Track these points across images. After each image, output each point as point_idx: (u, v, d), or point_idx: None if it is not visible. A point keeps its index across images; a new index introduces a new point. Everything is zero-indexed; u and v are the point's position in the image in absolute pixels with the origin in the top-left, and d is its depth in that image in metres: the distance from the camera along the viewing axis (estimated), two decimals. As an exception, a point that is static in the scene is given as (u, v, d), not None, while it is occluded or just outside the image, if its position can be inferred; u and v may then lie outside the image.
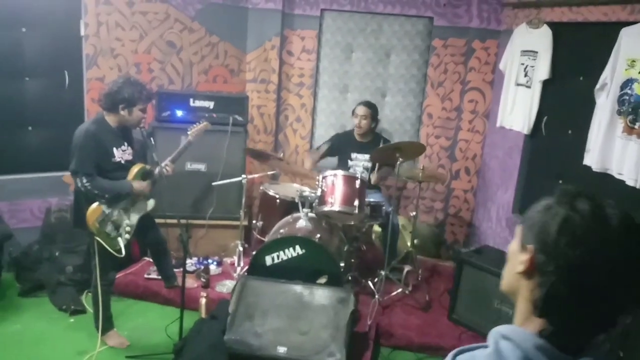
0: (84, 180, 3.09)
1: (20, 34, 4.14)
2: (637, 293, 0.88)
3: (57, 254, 4.05)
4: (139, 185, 3.34)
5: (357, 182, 3.74)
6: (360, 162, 4.40)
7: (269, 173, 4.61)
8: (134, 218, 3.40)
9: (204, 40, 4.85)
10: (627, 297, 0.88)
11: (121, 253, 3.28)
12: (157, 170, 3.47)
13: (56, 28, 4.28)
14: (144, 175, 3.41)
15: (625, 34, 3.09)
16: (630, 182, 3.01)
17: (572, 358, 0.87)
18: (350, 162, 4.40)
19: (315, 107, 5.17)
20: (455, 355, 0.96)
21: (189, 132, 3.73)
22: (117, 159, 3.24)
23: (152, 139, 3.55)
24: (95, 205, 3.14)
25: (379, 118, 4.55)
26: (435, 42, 4.86)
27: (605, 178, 3.24)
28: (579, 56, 3.70)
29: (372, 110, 4.38)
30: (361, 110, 4.35)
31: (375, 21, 4.93)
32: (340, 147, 4.52)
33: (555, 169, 3.88)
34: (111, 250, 3.22)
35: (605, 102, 3.23)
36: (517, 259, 0.95)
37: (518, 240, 0.97)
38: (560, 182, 3.80)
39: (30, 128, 4.34)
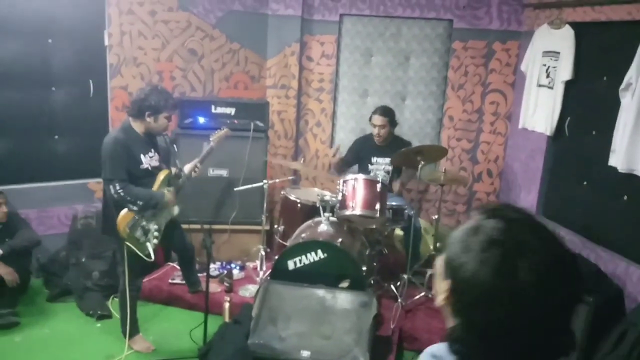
0: (118, 187, 3.14)
1: (46, 45, 4.25)
2: (560, 343, 0.86)
3: (83, 259, 4.13)
4: (170, 195, 3.40)
5: (379, 186, 3.74)
6: (381, 165, 4.39)
7: (290, 178, 4.63)
8: (162, 223, 3.46)
9: (225, 47, 4.91)
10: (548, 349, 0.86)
11: (150, 257, 3.34)
12: (182, 177, 3.52)
13: (81, 38, 4.38)
14: (169, 181, 3.46)
15: (649, 32, 3.05)
16: (657, 183, 2.96)
17: None
18: (370, 167, 4.40)
19: (335, 111, 5.19)
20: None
21: (211, 139, 3.78)
22: (145, 165, 3.29)
23: (175, 145, 3.61)
24: (125, 211, 3.19)
25: (397, 121, 4.53)
26: (455, 44, 4.84)
27: (631, 179, 3.19)
28: (602, 56, 3.65)
29: (389, 117, 4.33)
30: (378, 120, 4.29)
31: (394, 25, 4.93)
32: (361, 152, 4.52)
33: (580, 170, 3.83)
34: (141, 255, 3.28)
35: (630, 102, 3.18)
36: (440, 285, 0.96)
37: (440, 265, 0.96)
38: (585, 183, 3.75)
39: (56, 137, 4.44)
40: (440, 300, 0.94)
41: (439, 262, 0.96)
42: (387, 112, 4.33)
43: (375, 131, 4.34)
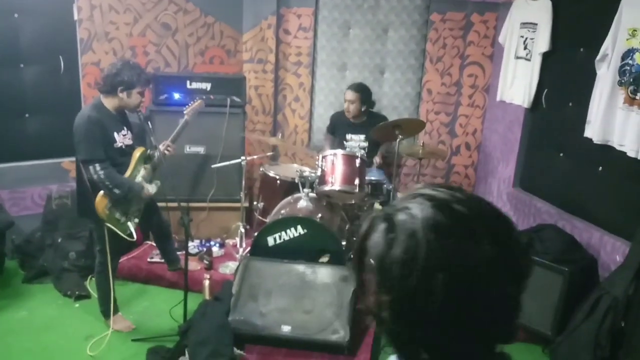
0: (98, 168, 3.06)
1: (12, 20, 4.10)
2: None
3: (59, 240, 4.06)
4: (147, 190, 3.34)
5: (357, 161, 3.73)
6: (356, 142, 4.37)
7: (268, 154, 4.60)
8: (141, 202, 3.41)
9: (199, 21, 4.79)
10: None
11: (132, 237, 3.30)
12: (156, 155, 3.46)
13: (49, 13, 4.23)
14: (145, 159, 3.40)
15: (626, 3, 3.04)
16: (631, 154, 2.99)
17: None
18: (346, 143, 4.38)
19: (314, 86, 5.13)
20: None
21: (184, 112, 3.71)
22: (119, 144, 3.22)
23: (149, 122, 3.53)
24: (101, 193, 3.13)
25: (373, 100, 4.49)
26: (433, 16, 4.80)
27: (606, 150, 3.22)
28: (579, 27, 3.65)
29: (361, 93, 4.32)
30: (349, 95, 4.32)
31: (372, -3, 4.86)
32: (336, 128, 4.51)
33: (556, 141, 3.85)
34: (123, 235, 3.23)
35: (606, 73, 3.19)
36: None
37: None
38: (561, 155, 3.78)
39: (27, 115, 4.32)
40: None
41: None
42: (359, 88, 4.35)
43: (345, 105, 4.35)
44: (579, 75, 3.55)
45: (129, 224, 3.29)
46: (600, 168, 3.37)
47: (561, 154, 3.79)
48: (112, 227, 3.19)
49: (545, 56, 3.89)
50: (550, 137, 3.95)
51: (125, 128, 3.28)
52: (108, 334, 3.30)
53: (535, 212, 3.96)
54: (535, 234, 3.46)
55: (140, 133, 3.49)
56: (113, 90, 3.14)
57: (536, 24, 3.92)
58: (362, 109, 4.37)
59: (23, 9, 4.11)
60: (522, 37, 4.08)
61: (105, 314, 3.41)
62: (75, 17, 4.28)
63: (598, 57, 3.24)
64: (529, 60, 4.02)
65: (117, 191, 3.14)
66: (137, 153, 3.33)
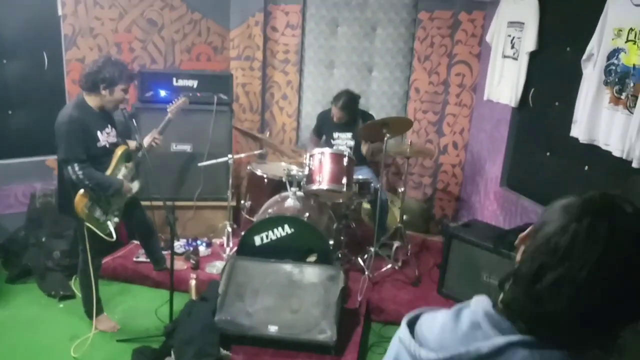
0: (77, 168, 3.01)
1: (-6, 15, 4.03)
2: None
3: (43, 239, 4.01)
4: (127, 187, 3.31)
5: (345, 160, 3.72)
6: (343, 140, 4.37)
7: (256, 152, 4.56)
8: (121, 201, 3.36)
9: (186, 17, 4.74)
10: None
11: (112, 237, 3.25)
12: (140, 152, 3.42)
13: (32, 8, 4.16)
14: (127, 156, 3.36)
15: (611, 3, 3.05)
16: (616, 153, 3.00)
17: (518, 328, 0.88)
18: (333, 142, 4.37)
19: (302, 83, 5.10)
20: (418, 315, 1.00)
21: (168, 109, 3.67)
22: (102, 142, 3.17)
23: (134, 120, 3.49)
24: (82, 192, 3.08)
25: (359, 103, 4.42)
26: (421, 14, 4.79)
27: (592, 149, 3.23)
28: (566, 27, 3.66)
29: (349, 109, 4.24)
30: (335, 110, 4.25)
31: (360, -6, 4.84)
32: (323, 127, 4.49)
33: (543, 141, 3.87)
34: (102, 235, 3.19)
35: (592, 72, 3.20)
36: (520, 247, 0.97)
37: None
38: (548, 154, 3.80)
39: (10, 112, 4.26)
40: (519, 237, 0.96)
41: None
42: (345, 105, 4.22)
43: (332, 113, 4.30)
44: (566, 74, 3.57)
45: (109, 223, 3.25)
46: (587, 167, 3.38)
47: (548, 153, 3.81)
48: (91, 227, 3.15)
49: (532, 55, 3.90)
50: (537, 136, 3.96)
51: (109, 126, 3.24)
52: (90, 335, 3.26)
53: (522, 210, 3.97)
54: (521, 232, 3.47)
55: (124, 130, 3.44)
56: (95, 88, 3.09)
57: (523, 23, 3.93)
58: (349, 117, 4.30)
59: (5, 3, 4.04)
60: (510, 36, 4.09)
61: (89, 314, 3.37)
62: (60, 12, 4.21)
63: (584, 57, 3.25)
64: (516, 59, 4.02)
65: (97, 189, 3.10)
66: (119, 151, 3.29)
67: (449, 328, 0.93)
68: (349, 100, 4.25)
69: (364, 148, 4.23)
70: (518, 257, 0.95)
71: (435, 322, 0.96)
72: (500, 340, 0.85)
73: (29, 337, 3.32)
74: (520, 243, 0.96)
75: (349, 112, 4.26)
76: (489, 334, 0.88)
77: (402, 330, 0.98)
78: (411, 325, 0.99)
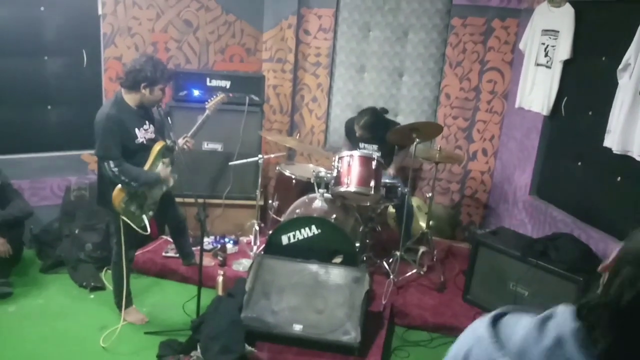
0: (112, 165, 3.10)
1: (39, 13, 4.17)
2: None
3: (76, 231, 4.13)
4: (165, 173, 3.38)
5: (374, 163, 3.73)
6: (368, 152, 4.34)
7: (283, 154, 4.61)
8: (157, 196, 3.44)
9: (221, 19, 4.83)
10: None
11: (146, 230, 3.33)
12: (176, 150, 3.50)
13: (74, 7, 4.29)
14: (164, 153, 3.43)
15: (650, 12, 3.01)
16: (651, 165, 2.97)
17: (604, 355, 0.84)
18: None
19: (332, 87, 5.14)
20: (503, 313, 0.95)
21: (206, 106, 3.72)
22: (140, 139, 3.24)
23: (169, 118, 3.57)
24: (119, 187, 3.16)
25: (384, 119, 4.33)
26: (454, 20, 4.78)
27: (625, 160, 3.19)
28: (602, 36, 3.62)
29: (370, 129, 4.12)
30: (358, 130, 4.15)
31: (393, -1, 4.86)
32: (350, 135, 4.46)
33: (575, 150, 3.83)
34: (136, 228, 3.27)
35: (627, 82, 3.16)
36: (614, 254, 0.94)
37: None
38: (579, 164, 3.75)
39: (49, 107, 4.39)
40: (605, 262, 0.92)
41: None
42: (368, 126, 4.10)
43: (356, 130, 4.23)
44: (600, 84, 3.53)
45: (144, 216, 3.33)
46: (619, 178, 3.34)
47: (579, 163, 3.76)
48: (127, 220, 3.23)
49: (566, 64, 3.86)
50: (568, 146, 3.92)
51: (147, 122, 3.31)
52: (119, 326, 3.34)
53: (550, 220, 3.93)
54: (550, 242, 3.44)
55: (160, 128, 3.52)
56: (136, 86, 3.17)
57: (558, 32, 3.89)
58: (373, 134, 4.20)
59: (49, 2, 4.18)
60: (543, 44, 4.05)
61: (119, 306, 3.46)
62: (100, 11, 4.34)
63: (620, 67, 3.21)
64: (549, 67, 3.99)
65: (134, 184, 3.18)
66: (157, 147, 3.36)
67: (533, 339, 0.88)
68: (371, 121, 4.10)
69: (391, 170, 4.19)
70: (602, 285, 0.89)
71: (519, 326, 0.91)
72: None
73: (60, 326, 3.42)
74: (605, 269, 0.91)
75: (371, 131, 4.13)
76: (572, 356, 0.84)
77: (484, 327, 0.92)
78: (494, 323, 0.93)
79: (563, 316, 0.88)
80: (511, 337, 0.89)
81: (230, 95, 4.39)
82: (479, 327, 0.93)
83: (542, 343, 0.85)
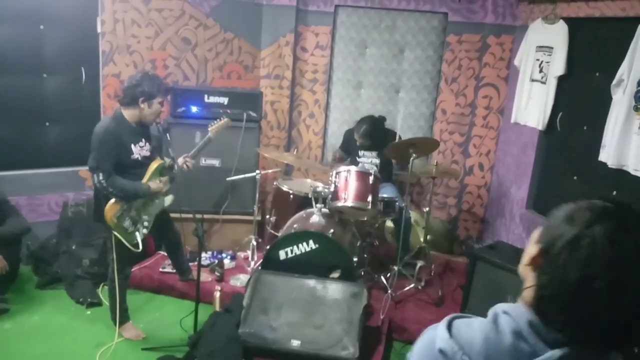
0: (101, 177, 3.12)
1: (38, 31, 4.21)
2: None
3: (74, 247, 4.12)
4: (156, 185, 3.38)
5: (371, 178, 3.75)
6: (368, 159, 4.40)
7: (279, 169, 4.62)
8: (152, 213, 3.45)
9: (219, 36, 4.88)
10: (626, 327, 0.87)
11: (138, 248, 3.32)
12: (175, 168, 3.51)
13: (73, 25, 4.33)
14: (162, 171, 3.44)
15: (642, 29, 3.06)
16: (646, 179, 2.99)
17: (562, 339, 0.89)
18: (358, 159, 4.41)
19: (329, 103, 5.18)
20: (452, 320, 0.99)
21: (209, 129, 3.74)
22: (136, 155, 3.27)
23: (167, 134, 3.59)
24: (113, 201, 3.18)
25: (383, 127, 4.44)
26: (449, 37, 4.85)
27: (620, 174, 3.21)
28: (595, 52, 3.67)
29: (370, 137, 4.25)
30: (358, 138, 4.28)
31: (389, 17, 4.92)
32: (349, 144, 4.53)
33: (570, 165, 3.85)
34: (128, 245, 3.27)
35: (621, 98, 3.20)
36: (529, 249, 0.98)
37: (537, 233, 0.99)
38: (575, 178, 3.78)
39: (47, 124, 4.41)
40: (524, 260, 0.98)
41: (537, 231, 1.00)
42: (368, 134, 4.24)
43: (356, 139, 4.34)
44: (594, 99, 3.57)
45: (137, 234, 3.33)
46: (615, 192, 3.36)
47: (575, 177, 3.79)
48: (119, 236, 3.23)
49: (561, 80, 3.91)
50: (564, 160, 3.95)
51: (143, 140, 3.33)
52: (114, 343, 3.31)
53: (547, 234, 3.94)
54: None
55: (158, 145, 3.54)
56: (134, 102, 3.20)
57: (552, 48, 3.95)
58: (372, 142, 4.32)
59: (49, 21, 4.22)
60: (538, 60, 4.11)
61: (116, 322, 3.44)
62: (99, 29, 4.38)
63: (614, 82, 3.26)
64: (544, 83, 4.04)
65: (121, 195, 3.20)
66: (154, 165, 3.38)
67: (493, 339, 0.92)
68: (371, 129, 4.24)
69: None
70: (532, 279, 0.95)
71: (473, 329, 0.95)
72: (552, 354, 0.87)
73: (57, 342, 3.40)
74: (529, 265, 0.96)
75: (370, 139, 4.26)
76: (535, 346, 0.88)
77: (444, 340, 0.95)
78: (449, 330, 0.97)
79: (515, 312, 0.93)
80: (472, 342, 0.93)
81: (229, 111, 4.42)
82: (438, 342, 0.95)
83: (504, 343, 0.90)
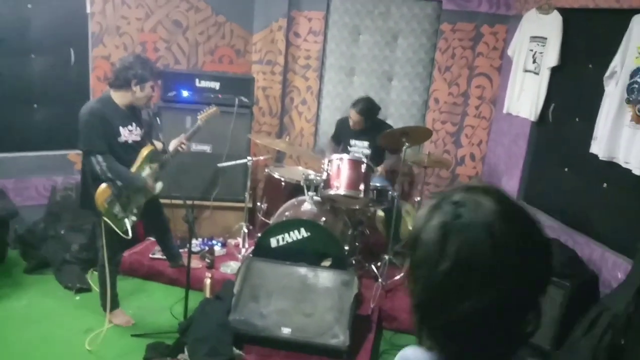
0: (100, 159, 3.07)
1: (26, 10, 4.12)
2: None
3: (62, 232, 4.07)
4: (151, 182, 3.36)
5: (363, 167, 3.74)
6: (359, 149, 4.38)
7: (269, 157, 4.60)
8: (142, 200, 3.41)
9: (210, 20, 4.81)
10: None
11: (128, 234, 3.29)
12: (167, 152, 3.47)
13: (62, 5, 4.25)
14: (153, 157, 3.40)
15: (636, 21, 3.06)
16: (636, 172, 3.01)
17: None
18: (350, 149, 4.39)
19: (321, 89, 5.14)
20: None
21: (198, 117, 3.71)
22: (124, 138, 3.22)
23: (157, 118, 3.55)
24: (104, 185, 3.14)
25: (378, 112, 4.44)
26: (443, 26, 4.82)
27: (611, 166, 3.24)
28: (589, 43, 3.67)
29: (367, 115, 4.25)
30: (353, 115, 4.26)
31: (383, 3, 4.88)
32: (341, 133, 4.51)
33: (562, 156, 3.87)
34: (118, 231, 3.24)
35: (614, 90, 3.21)
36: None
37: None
38: (566, 170, 3.80)
39: (35, 105, 4.34)
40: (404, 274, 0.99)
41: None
42: (363, 111, 4.24)
43: (350, 120, 4.32)
44: (587, 91, 3.58)
45: (126, 220, 3.29)
46: (605, 184, 3.38)
47: (566, 169, 3.81)
48: (109, 222, 3.20)
49: (554, 71, 3.91)
50: (555, 152, 3.97)
51: (133, 123, 3.28)
52: (103, 329, 3.29)
53: (537, 225, 3.97)
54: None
55: (149, 130, 3.50)
56: (126, 84, 3.15)
57: (546, 38, 3.94)
58: (367, 124, 4.31)
59: (37, 0, 4.12)
60: (532, 50, 4.10)
61: (104, 308, 3.42)
62: (88, 10, 4.29)
63: (607, 74, 3.26)
64: (537, 74, 4.04)
65: (119, 183, 3.16)
66: (145, 151, 3.34)
67: None
68: (368, 107, 4.26)
69: (379, 169, 4.22)
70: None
71: None
72: None
73: (45, 328, 3.37)
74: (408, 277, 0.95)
75: (367, 118, 4.26)
76: None
77: None
78: None
79: (414, 355, 0.93)
80: None
81: (220, 96, 4.38)
82: None
83: None
